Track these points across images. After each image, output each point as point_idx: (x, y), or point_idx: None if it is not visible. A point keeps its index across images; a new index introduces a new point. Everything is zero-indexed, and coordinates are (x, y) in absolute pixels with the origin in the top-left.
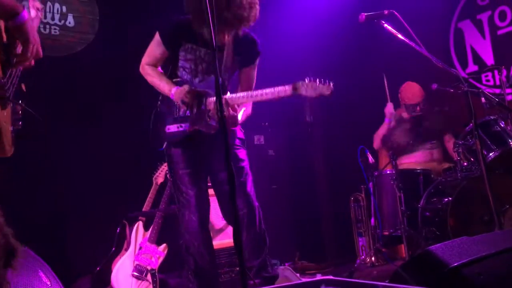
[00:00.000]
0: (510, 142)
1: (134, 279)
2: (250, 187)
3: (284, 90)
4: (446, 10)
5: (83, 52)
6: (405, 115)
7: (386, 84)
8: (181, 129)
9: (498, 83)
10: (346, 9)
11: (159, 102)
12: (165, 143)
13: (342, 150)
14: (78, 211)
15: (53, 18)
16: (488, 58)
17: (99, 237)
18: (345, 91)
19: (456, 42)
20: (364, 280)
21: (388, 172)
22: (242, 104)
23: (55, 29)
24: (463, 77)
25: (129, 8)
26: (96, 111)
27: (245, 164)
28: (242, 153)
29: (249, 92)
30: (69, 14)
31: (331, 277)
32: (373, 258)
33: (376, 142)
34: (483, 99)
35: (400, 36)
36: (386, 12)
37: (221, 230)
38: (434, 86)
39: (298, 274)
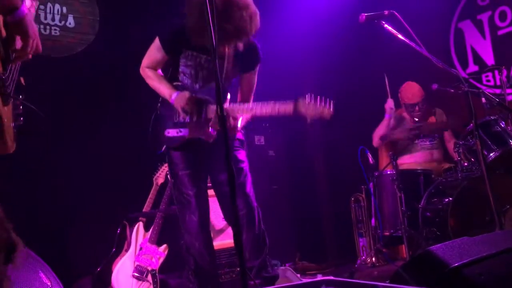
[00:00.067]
0: (510, 142)
1: (135, 280)
2: (249, 188)
3: (285, 107)
4: (446, 10)
5: (84, 53)
6: (405, 115)
7: (387, 84)
8: (180, 134)
9: (498, 83)
10: (346, 10)
11: (159, 105)
12: (164, 146)
13: (342, 151)
14: (78, 211)
15: (53, 19)
16: (489, 58)
17: (100, 238)
18: (345, 92)
19: (456, 42)
20: (365, 280)
21: (388, 172)
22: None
23: (55, 30)
24: (463, 77)
25: (130, 8)
26: (96, 111)
27: (244, 165)
28: (241, 154)
29: (250, 105)
30: (69, 15)
31: (331, 277)
32: (373, 259)
33: (376, 140)
34: (483, 99)
35: (400, 36)
36: (386, 12)
37: (221, 231)
38: (435, 86)
39: (298, 275)
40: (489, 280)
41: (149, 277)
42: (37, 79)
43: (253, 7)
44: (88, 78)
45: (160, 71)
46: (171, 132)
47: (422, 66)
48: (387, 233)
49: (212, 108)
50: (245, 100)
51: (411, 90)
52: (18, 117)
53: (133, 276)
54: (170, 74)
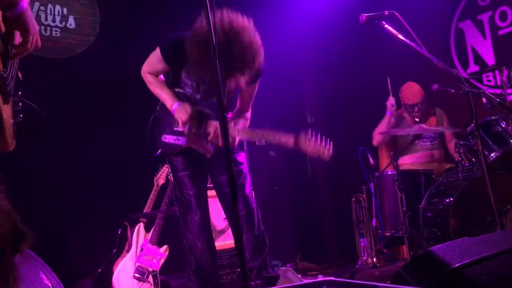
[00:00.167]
0: (511, 142)
1: (136, 281)
2: (248, 189)
3: (285, 139)
4: (446, 11)
5: (84, 54)
6: (405, 114)
7: (389, 85)
8: (178, 142)
9: (499, 83)
10: (346, 10)
11: (158, 107)
12: (160, 150)
13: (343, 151)
14: (79, 212)
15: (54, 20)
16: (489, 58)
17: (100, 239)
18: (345, 92)
19: (457, 43)
20: (366, 281)
21: (389, 172)
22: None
23: (56, 31)
24: (464, 77)
25: (130, 9)
26: (97, 112)
27: (244, 167)
28: (240, 157)
29: (252, 130)
30: (70, 16)
31: (332, 278)
32: (374, 259)
33: (376, 137)
34: (484, 100)
35: (400, 36)
36: (386, 12)
37: (222, 231)
38: (435, 86)
39: (299, 275)
40: (490, 281)
41: (150, 278)
42: (38, 80)
43: (256, 44)
44: (88, 79)
45: (161, 76)
46: (168, 138)
47: (423, 66)
48: (388, 234)
49: (212, 123)
50: (244, 108)
51: (411, 91)
52: (18, 114)
53: (134, 277)
54: (171, 80)
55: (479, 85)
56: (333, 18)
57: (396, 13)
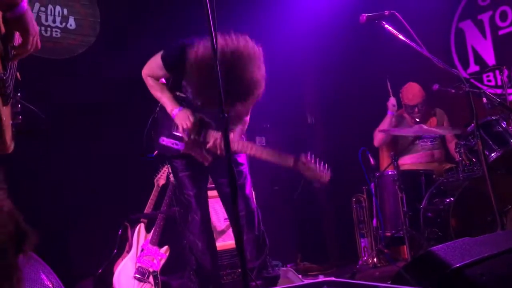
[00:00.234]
0: (511, 142)
1: (136, 281)
2: (249, 190)
3: (285, 160)
4: (447, 11)
5: (84, 55)
6: (406, 115)
7: (389, 87)
8: (176, 146)
9: (499, 83)
10: (346, 10)
11: (158, 108)
12: (156, 151)
13: (344, 151)
14: (79, 212)
15: (54, 21)
16: (489, 58)
17: (101, 239)
18: (345, 92)
19: (457, 43)
20: (366, 281)
21: (389, 173)
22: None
23: (56, 31)
24: (464, 77)
25: (130, 10)
26: (97, 113)
27: (244, 167)
28: (241, 157)
29: (252, 145)
30: (70, 16)
31: (333, 278)
32: (375, 259)
33: (377, 138)
34: (484, 100)
35: (401, 36)
36: (386, 12)
37: (223, 232)
38: (436, 86)
39: (300, 276)
40: (491, 281)
41: (151, 279)
42: (38, 80)
43: (258, 73)
44: (88, 80)
45: (163, 79)
46: (166, 141)
47: (423, 67)
48: (389, 234)
49: (212, 133)
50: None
51: (412, 91)
52: (17, 115)
53: (135, 277)
54: (172, 84)
55: (479, 85)
56: (333, 18)
57: (396, 13)
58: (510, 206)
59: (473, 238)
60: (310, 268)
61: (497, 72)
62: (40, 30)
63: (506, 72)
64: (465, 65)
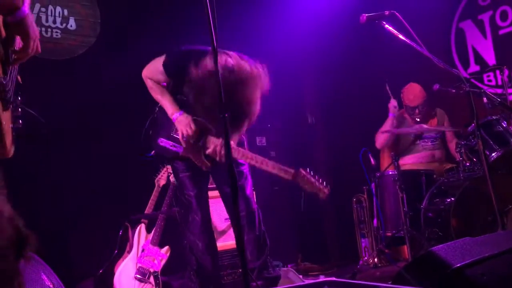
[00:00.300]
0: None
1: (137, 282)
2: (249, 190)
3: (284, 173)
4: (447, 11)
5: (85, 55)
6: (407, 115)
7: (388, 90)
8: (174, 149)
9: (500, 83)
10: (346, 10)
11: (157, 109)
12: (153, 152)
13: (344, 151)
14: (80, 213)
15: (54, 22)
16: (490, 58)
17: (102, 240)
18: (346, 92)
19: (457, 42)
20: (367, 281)
21: (390, 173)
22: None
23: (56, 32)
24: (464, 77)
25: (130, 10)
26: (97, 113)
27: (244, 168)
28: None
29: (253, 155)
30: (70, 17)
31: (334, 278)
32: (375, 259)
33: (379, 141)
34: (485, 99)
35: (401, 36)
36: (387, 12)
37: (223, 232)
38: (436, 86)
39: (301, 276)
40: (492, 281)
41: (151, 279)
42: (38, 81)
43: (254, 95)
44: (89, 80)
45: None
46: (165, 143)
47: (423, 67)
48: (389, 234)
49: (212, 140)
50: None
51: (413, 92)
52: (17, 119)
53: (135, 278)
54: (173, 87)
55: (480, 85)
56: (333, 18)
57: (397, 13)
58: (510, 206)
59: (473, 238)
60: (311, 268)
61: (498, 72)
62: (41, 30)
63: (506, 72)
64: (466, 65)
